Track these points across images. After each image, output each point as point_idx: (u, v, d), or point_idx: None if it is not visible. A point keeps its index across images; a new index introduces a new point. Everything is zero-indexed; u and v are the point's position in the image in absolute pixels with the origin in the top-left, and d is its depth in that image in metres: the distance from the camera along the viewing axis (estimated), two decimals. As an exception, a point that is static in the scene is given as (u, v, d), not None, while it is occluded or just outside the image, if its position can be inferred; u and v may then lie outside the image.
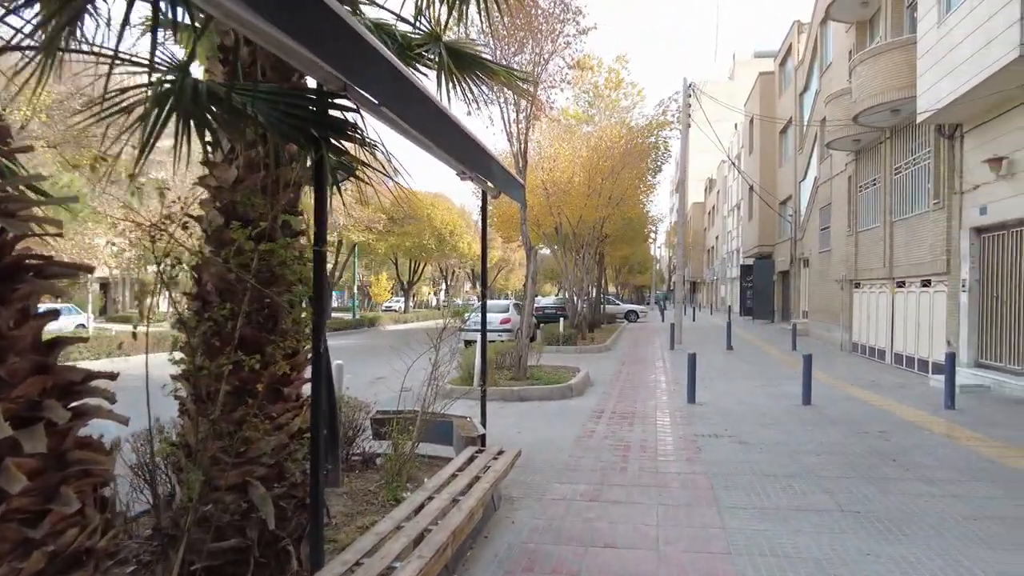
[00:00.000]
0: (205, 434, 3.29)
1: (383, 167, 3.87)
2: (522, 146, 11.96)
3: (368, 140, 3.06)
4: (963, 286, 11.48)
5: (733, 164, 34.21)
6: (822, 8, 19.05)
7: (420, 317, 38.51)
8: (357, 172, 4.15)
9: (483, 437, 5.36)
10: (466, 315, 20.22)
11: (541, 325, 22.33)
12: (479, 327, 19.98)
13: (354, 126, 3.01)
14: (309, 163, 3.51)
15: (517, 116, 11.87)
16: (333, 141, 3.12)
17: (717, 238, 58.69)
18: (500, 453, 4.96)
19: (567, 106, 22.81)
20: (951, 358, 9.04)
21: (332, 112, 2.99)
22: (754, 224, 33.45)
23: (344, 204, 5.65)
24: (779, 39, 30.96)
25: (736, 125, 45.60)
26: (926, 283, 13.11)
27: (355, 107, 2.94)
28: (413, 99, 3.19)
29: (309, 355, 3.53)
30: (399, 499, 4.74)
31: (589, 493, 5.35)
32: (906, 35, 13.44)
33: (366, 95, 2.89)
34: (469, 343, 17.25)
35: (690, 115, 21.54)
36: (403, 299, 48.85)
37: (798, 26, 25.61)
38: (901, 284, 14.37)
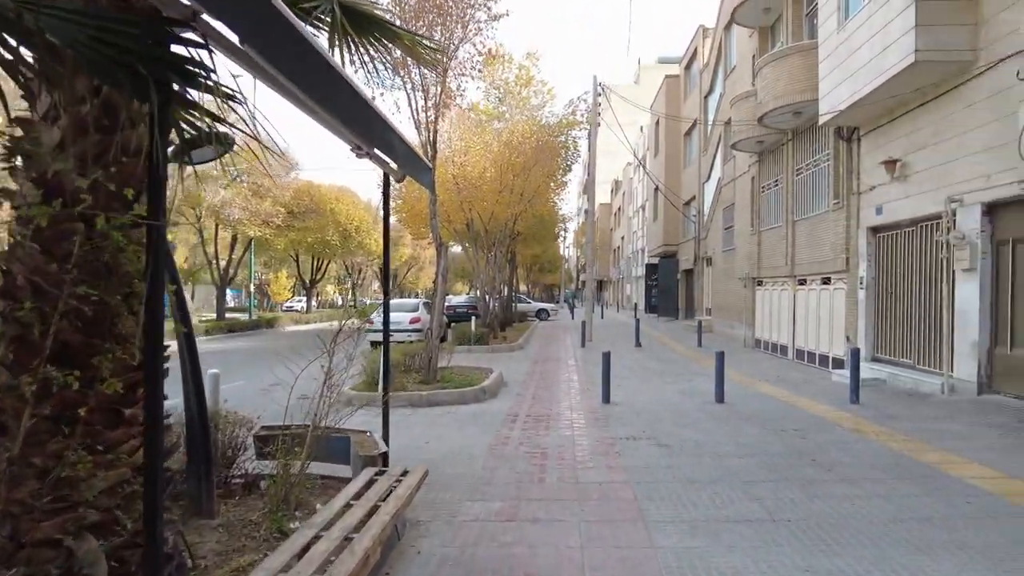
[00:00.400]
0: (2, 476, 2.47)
1: (255, 136, 3.13)
2: (431, 135, 11.29)
3: (224, 88, 2.35)
4: (861, 284, 11.90)
5: (640, 164, 34.93)
6: (727, 13, 19.56)
7: (324, 317, 36.83)
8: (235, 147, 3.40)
9: (385, 456, 4.71)
10: (372, 315, 19.08)
11: (452, 325, 21.71)
12: (392, 329, 18.96)
13: (207, 68, 2.30)
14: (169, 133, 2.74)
15: (426, 103, 11.19)
16: (183, 91, 2.41)
17: (623, 238, 60.14)
18: (404, 474, 4.33)
19: (478, 101, 22.35)
20: (856, 354, 9.23)
21: (175, 48, 2.27)
22: (659, 224, 34.29)
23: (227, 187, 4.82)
24: (684, 45, 31.93)
25: (642, 128, 46.79)
26: (826, 281, 13.57)
27: (204, 43, 2.24)
28: (289, 42, 2.51)
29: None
30: (285, 531, 4.02)
31: (505, 511, 4.82)
32: (809, 40, 13.86)
33: (223, 28, 2.21)
34: (376, 344, 16.41)
35: (599, 113, 21.57)
36: (305, 298, 46.68)
37: (703, 30, 26.35)
38: (803, 282, 14.85)
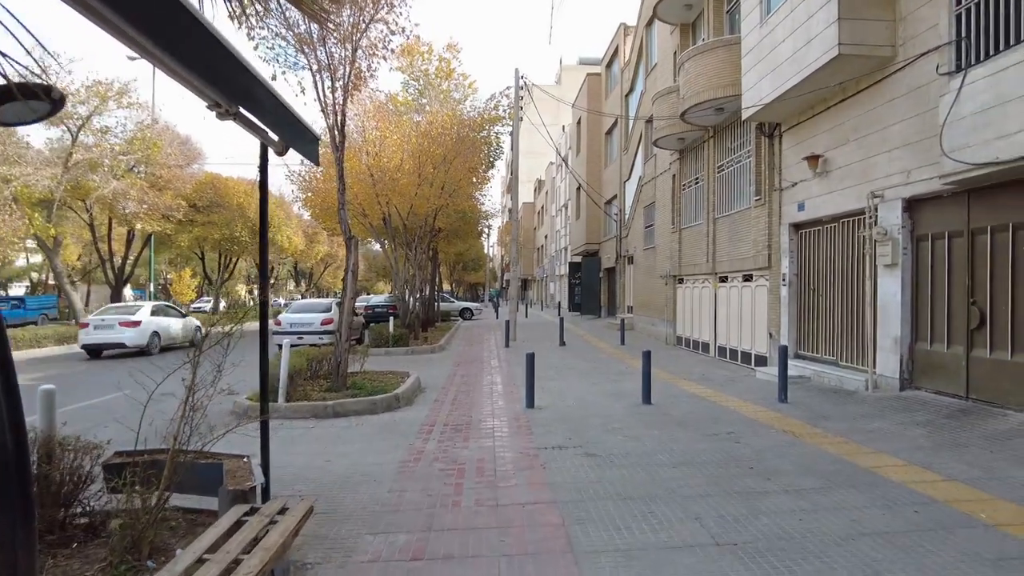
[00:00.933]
0: None
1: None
2: (338, 118, 10.33)
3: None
4: (783, 280, 11.85)
5: (563, 162, 34.75)
6: (648, 9, 19.47)
7: (233, 319, 34.59)
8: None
9: (265, 490, 3.85)
10: (281, 315, 17.63)
11: (371, 325, 20.65)
12: (297, 328, 17.63)
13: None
14: None
15: (333, 84, 10.22)
16: None
17: (546, 237, 60.24)
18: (283, 511, 3.50)
19: (396, 93, 21.35)
20: (783, 352, 9.02)
21: None
22: (581, 223, 34.26)
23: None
24: (606, 44, 31.92)
25: (564, 128, 46.89)
26: (748, 278, 13.53)
27: None
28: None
29: None
30: (127, 591, 3.15)
31: (413, 546, 4.07)
32: (731, 35, 13.78)
33: None
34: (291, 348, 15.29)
35: (522, 107, 21.05)
36: (214, 299, 43.88)
37: (624, 28, 26.35)
38: (724, 279, 14.81)
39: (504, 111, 23.00)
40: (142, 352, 16.89)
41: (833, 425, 7.33)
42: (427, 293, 26.79)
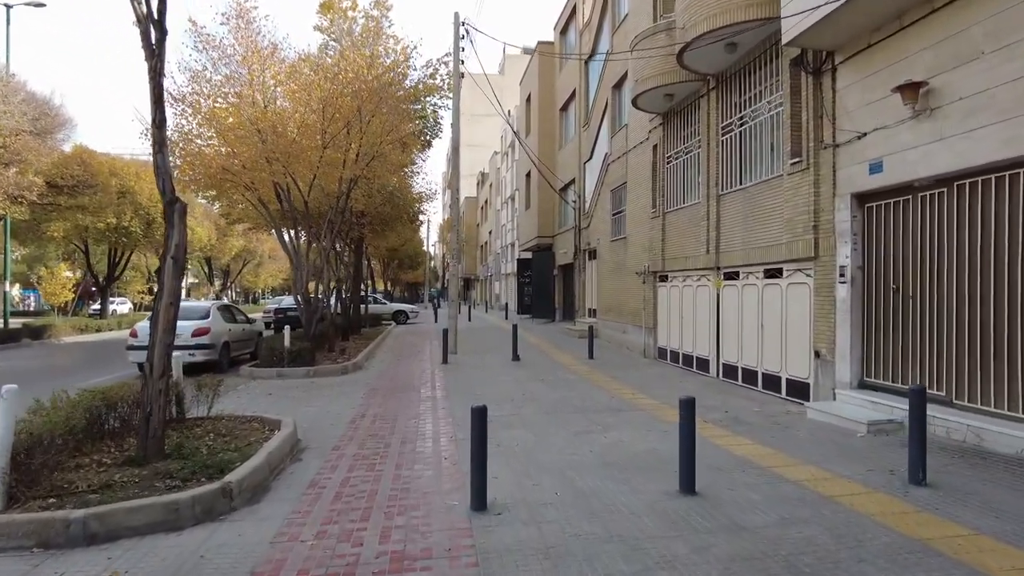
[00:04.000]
0: None
1: None
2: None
3: None
4: (841, 275, 8.23)
5: (515, 136, 30.70)
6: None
7: (125, 323, 29.08)
8: None
9: None
10: (139, 324, 12.12)
11: (262, 334, 16.25)
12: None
13: None
14: None
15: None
16: None
17: (491, 233, 56.19)
18: None
19: (311, 54, 16.78)
20: (919, 395, 5.25)
21: None
22: (532, 214, 30.43)
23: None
24: (556, 15, 28.03)
25: (510, 111, 42.98)
26: (773, 273, 9.89)
27: None
28: None
29: None
30: None
31: None
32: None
33: None
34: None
35: (463, 62, 16.98)
36: (112, 300, 37.83)
37: (584, -16, 22.61)
38: (733, 275, 11.17)
39: (443, 80, 18.93)
40: None
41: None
42: (349, 293, 22.42)
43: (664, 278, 14.28)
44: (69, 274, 32.76)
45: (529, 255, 31.49)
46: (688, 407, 5.00)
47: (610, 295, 18.81)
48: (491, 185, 55.33)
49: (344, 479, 5.60)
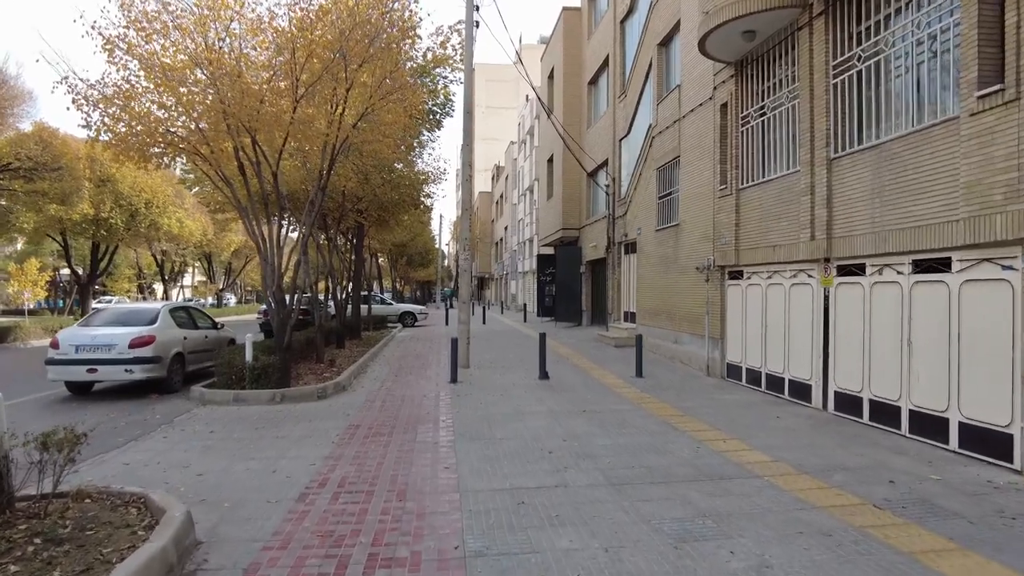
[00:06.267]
0: None
1: None
2: None
3: None
4: (1097, 267, 5.07)
5: (539, 101, 27.46)
6: None
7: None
8: None
9: None
10: (62, 332, 8.35)
11: (233, 342, 13.40)
12: (87, 355, 10.00)
13: None
14: None
15: None
16: None
17: (506, 229, 53.08)
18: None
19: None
20: None
21: None
22: (555, 204, 27.30)
23: None
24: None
25: (527, 97, 39.93)
26: (932, 266, 6.73)
27: None
28: None
29: None
30: None
31: None
32: None
33: None
34: (84, 386, 10.21)
35: (476, 24, 13.89)
36: (102, 298, 35.34)
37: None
38: (854, 270, 8.01)
39: (454, 49, 15.86)
40: None
41: None
42: (346, 293, 19.55)
43: (737, 274, 11.14)
44: (41, 270, 30.10)
45: (551, 250, 28.35)
46: None
47: (655, 296, 15.64)
48: (507, 178, 52.23)
49: None
